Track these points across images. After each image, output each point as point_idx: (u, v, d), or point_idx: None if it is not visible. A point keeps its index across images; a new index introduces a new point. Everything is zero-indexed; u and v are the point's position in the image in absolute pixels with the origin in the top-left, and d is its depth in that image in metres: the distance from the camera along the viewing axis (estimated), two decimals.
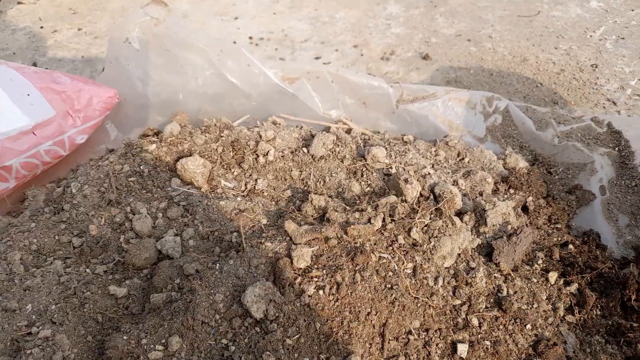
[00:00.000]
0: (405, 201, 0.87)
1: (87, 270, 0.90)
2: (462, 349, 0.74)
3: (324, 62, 1.63)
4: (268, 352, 0.65)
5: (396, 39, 1.72)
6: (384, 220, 0.83)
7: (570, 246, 0.94)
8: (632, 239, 1.00)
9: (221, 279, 0.75)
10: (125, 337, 0.72)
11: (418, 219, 0.83)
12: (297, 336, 0.68)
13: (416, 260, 0.80)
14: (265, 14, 1.90)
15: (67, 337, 0.78)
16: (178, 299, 0.77)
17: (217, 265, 0.78)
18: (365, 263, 0.75)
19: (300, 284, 0.73)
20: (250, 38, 1.76)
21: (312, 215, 0.90)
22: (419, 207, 0.86)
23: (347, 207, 0.87)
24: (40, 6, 2.00)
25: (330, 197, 0.94)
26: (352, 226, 0.78)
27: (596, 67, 1.54)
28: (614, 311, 0.85)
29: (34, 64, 1.66)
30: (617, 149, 1.11)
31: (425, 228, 0.83)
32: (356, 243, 0.78)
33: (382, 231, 0.81)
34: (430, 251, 0.80)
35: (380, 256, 0.77)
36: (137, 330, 0.74)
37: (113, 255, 0.92)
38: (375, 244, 0.79)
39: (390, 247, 0.80)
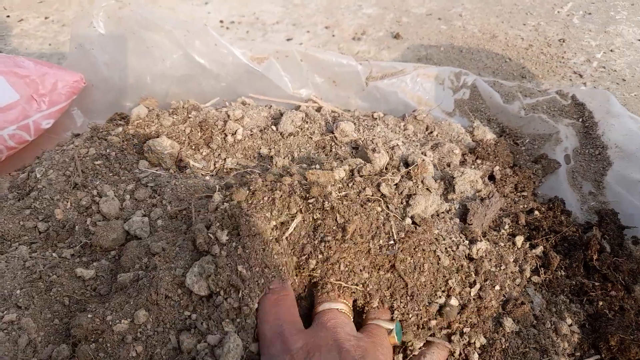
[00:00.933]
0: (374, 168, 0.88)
1: (54, 254, 0.89)
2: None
3: (296, 44, 1.62)
4: (227, 320, 0.66)
5: (368, 19, 1.72)
6: (351, 173, 0.82)
7: (536, 212, 0.96)
8: (595, 204, 1.02)
9: (180, 252, 0.75)
10: (90, 316, 0.71)
11: (389, 176, 0.83)
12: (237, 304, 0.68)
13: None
14: None
15: (33, 320, 0.77)
16: (144, 276, 0.77)
17: (178, 240, 0.78)
18: (320, 195, 0.73)
19: None
20: (221, 22, 1.75)
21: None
22: (387, 171, 0.87)
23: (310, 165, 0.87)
24: None
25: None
26: (311, 171, 0.77)
27: (563, 41, 1.56)
28: (577, 271, 0.87)
29: None
30: (580, 119, 1.13)
31: (395, 186, 0.83)
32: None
33: (348, 183, 0.81)
34: (404, 208, 0.81)
35: (342, 195, 0.76)
36: (103, 309, 0.73)
37: (80, 238, 0.91)
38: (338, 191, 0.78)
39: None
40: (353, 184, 0.80)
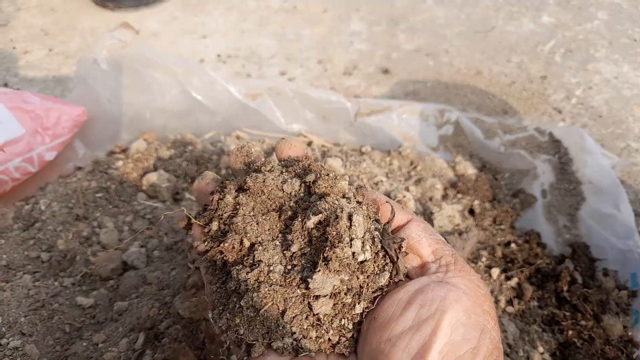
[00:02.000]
0: None
1: (56, 283, 0.94)
2: None
3: (289, 78, 1.70)
4: None
5: (359, 55, 1.81)
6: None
7: (513, 245, 1.02)
8: (570, 237, 1.08)
9: (169, 280, 0.80)
10: (84, 344, 0.77)
11: None
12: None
13: None
14: (234, 32, 1.97)
15: (36, 347, 0.82)
16: (135, 305, 0.82)
17: (171, 269, 0.83)
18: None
19: None
20: (219, 55, 1.83)
21: None
22: None
23: None
24: (12, 28, 2.03)
25: None
26: None
27: (545, 78, 1.64)
28: (549, 302, 0.92)
29: (5, 85, 1.69)
30: (557, 156, 1.19)
31: None
32: None
33: None
34: None
35: None
36: (97, 336, 0.79)
37: (80, 267, 0.96)
38: None
39: None
40: None
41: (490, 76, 1.66)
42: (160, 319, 0.79)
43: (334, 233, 0.47)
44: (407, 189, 1.05)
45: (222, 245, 0.53)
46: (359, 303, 0.48)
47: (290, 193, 0.54)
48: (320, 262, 0.47)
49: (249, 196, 0.54)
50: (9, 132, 1.11)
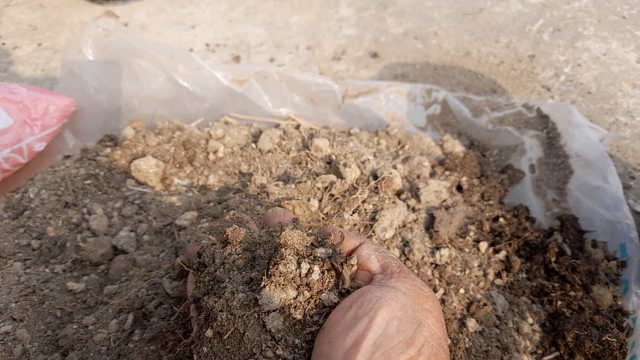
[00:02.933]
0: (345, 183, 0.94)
1: (46, 269, 0.94)
2: None
3: (278, 64, 1.70)
4: None
5: (347, 40, 1.80)
6: (320, 200, 0.89)
7: (501, 219, 1.02)
8: (558, 210, 1.08)
9: (158, 262, 0.81)
10: (75, 327, 0.77)
11: (359, 193, 0.90)
12: None
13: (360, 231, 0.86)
14: (222, 21, 1.96)
15: (27, 331, 0.82)
16: (124, 287, 0.82)
17: (160, 252, 0.84)
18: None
19: None
20: (207, 45, 1.82)
21: (255, 192, 0.96)
22: (358, 186, 0.93)
23: (286, 183, 0.94)
24: (0, 24, 2.03)
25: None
26: (286, 200, 0.84)
27: (533, 57, 1.63)
28: (537, 274, 0.93)
29: None
30: (544, 131, 1.20)
31: (363, 203, 0.89)
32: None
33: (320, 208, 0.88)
34: (370, 225, 0.87)
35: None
36: (87, 319, 0.79)
37: (71, 254, 0.96)
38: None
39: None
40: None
41: (478, 57, 1.65)
42: (149, 299, 0.80)
43: (277, 254, 0.52)
44: (394, 167, 1.05)
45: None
46: (310, 317, 0.50)
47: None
48: (265, 277, 0.51)
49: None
50: None
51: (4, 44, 1.91)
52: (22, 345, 0.80)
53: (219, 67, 1.24)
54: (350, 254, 0.56)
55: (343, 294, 0.52)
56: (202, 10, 2.04)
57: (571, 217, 1.05)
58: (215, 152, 1.09)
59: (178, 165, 1.09)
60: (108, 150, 1.11)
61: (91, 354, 0.75)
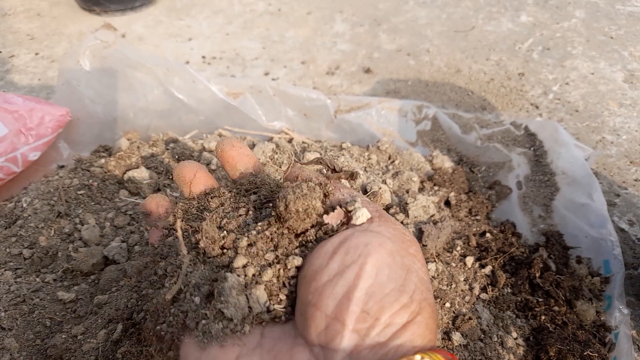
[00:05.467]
0: None
1: (37, 279, 0.95)
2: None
3: (272, 78, 1.72)
4: None
5: (341, 55, 1.83)
6: None
7: (488, 234, 1.04)
8: (544, 227, 1.10)
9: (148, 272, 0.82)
10: (64, 336, 0.78)
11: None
12: None
13: None
14: (219, 34, 1.99)
15: (16, 340, 0.83)
16: (113, 298, 0.83)
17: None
18: None
19: None
20: (203, 57, 1.85)
21: None
22: None
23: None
24: None
25: None
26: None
27: (523, 75, 1.67)
28: (522, 288, 0.94)
29: None
30: (532, 148, 1.22)
31: None
32: None
33: None
34: None
35: None
36: (76, 328, 0.80)
37: (62, 263, 0.97)
38: None
39: None
40: None
41: (469, 74, 1.69)
42: (139, 310, 0.81)
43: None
44: (384, 182, 1.07)
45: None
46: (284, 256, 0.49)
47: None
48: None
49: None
50: None
51: (0, 52, 1.92)
52: (10, 354, 0.81)
53: (215, 80, 1.26)
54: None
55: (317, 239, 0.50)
56: (199, 23, 2.07)
57: (556, 233, 1.07)
58: (208, 164, 1.10)
59: (171, 177, 1.11)
60: (102, 160, 1.12)
61: None
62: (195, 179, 0.62)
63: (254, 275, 0.48)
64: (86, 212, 1.03)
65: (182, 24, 2.07)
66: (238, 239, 0.51)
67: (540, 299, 0.93)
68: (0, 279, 0.92)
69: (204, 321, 0.46)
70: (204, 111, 1.28)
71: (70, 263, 0.96)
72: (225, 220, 0.54)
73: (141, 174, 1.06)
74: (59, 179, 1.08)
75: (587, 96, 1.56)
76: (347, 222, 0.50)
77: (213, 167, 1.10)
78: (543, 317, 0.90)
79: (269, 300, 0.47)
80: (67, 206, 1.04)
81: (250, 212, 0.55)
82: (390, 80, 1.67)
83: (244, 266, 0.48)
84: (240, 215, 0.55)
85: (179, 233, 0.53)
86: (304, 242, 0.50)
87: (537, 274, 0.94)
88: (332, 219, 0.50)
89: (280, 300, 0.47)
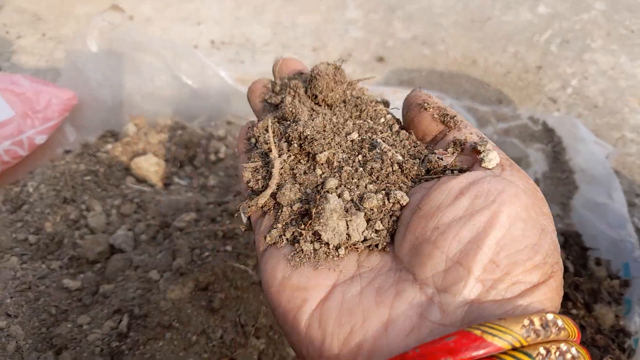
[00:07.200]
0: None
1: (43, 265, 0.93)
2: None
3: None
4: None
5: (354, 43, 1.79)
6: None
7: None
8: (562, 226, 1.07)
9: (155, 263, 0.80)
10: (69, 326, 0.76)
11: None
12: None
13: None
14: (228, 19, 1.95)
15: (22, 328, 0.81)
16: (119, 287, 0.82)
17: (158, 252, 0.83)
18: None
19: None
20: (212, 42, 1.81)
21: None
22: None
23: None
24: (5, 13, 2.01)
25: None
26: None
27: (541, 68, 1.62)
28: None
29: None
30: (550, 144, 1.19)
31: None
32: None
33: None
34: None
35: None
36: (81, 318, 0.78)
37: (68, 250, 0.95)
38: None
39: None
40: None
41: (485, 66, 1.64)
42: (145, 301, 0.79)
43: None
44: None
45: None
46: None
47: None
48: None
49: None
50: None
51: (7, 32, 1.90)
52: (16, 342, 0.79)
53: (223, 65, 1.22)
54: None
55: (434, 170, 0.45)
56: (209, 6, 2.03)
57: (575, 233, 1.04)
58: (216, 152, 1.08)
59: (179, 165, 1.08)
60: (109, 146, 1.10)
61: (85, 354, 0.74)
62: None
63: (352, 200, 0.44)
64: (92, 199, 1.01)
65: (191, 7, 2.03)
66: (340, 161, 0.48)
67: None
68: (5, 265, 0.90)
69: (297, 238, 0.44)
70: (212, 97, 1.25)
71: (76, 250, 0.94)
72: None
73: (148, 160, 1.04)
74: (65, 164, 1.06)
75: (607, 91, 1.51)
76: (470, 165, 0.45)
77: (221, 155, 1.08)
78: None
79: (367, 228, 0.43)
80: (73, 192, 1.02)
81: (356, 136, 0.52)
82: (404, 70, 1.64)
83: (339, 189, 0.45)
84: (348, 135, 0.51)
85: (270, 133, 0.50)
86: (410, 176, 0.46)
87: None
88: (446, 154, 0.46)
89: (378, 229, 0.43)
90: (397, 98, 1.25)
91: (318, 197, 0.44)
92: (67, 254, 0.95)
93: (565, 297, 0.92)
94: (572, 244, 1.02)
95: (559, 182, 1.13)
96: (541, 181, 1.14)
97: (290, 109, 0.51)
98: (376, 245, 0.43)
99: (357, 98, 0.54)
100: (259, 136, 0.52)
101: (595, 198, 1.08)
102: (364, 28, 1.87)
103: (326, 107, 0.54)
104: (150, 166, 1.04)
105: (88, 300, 0.88)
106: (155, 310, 0.76)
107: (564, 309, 0.90)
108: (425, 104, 0.50)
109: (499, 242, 0.37)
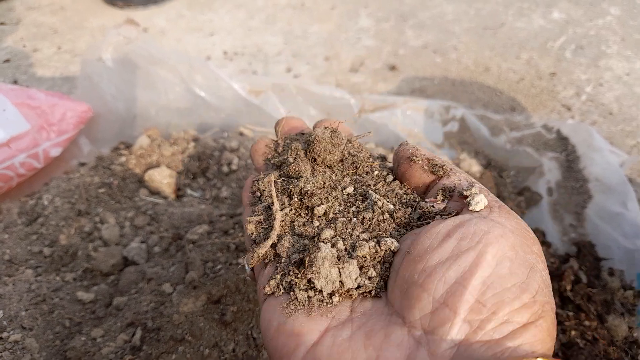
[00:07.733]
0: None
1: (57, 277, 0.95)
2: None
3: (295, 75, 1.69)
4: None
5: (366, 52, 1.79)
6: None
7: None
8: (575, 236, 1.06)
9: (168, 275, 0.80)
10: (83, 339, 0.77)
11: None
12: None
13: None
14: (241, 29, 1.97)
15: (36, 340, 0.82)
16: (132, 300, 0.82)
17: (171, 265, 0.83)
18: None
19: None
20: (225, 53, 1.83)
21: None
22: None
23: None
24: (22, 26, 2.05)
25: None
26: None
27: (554, 75, 1.61)
28: None
29: (15, 82, 1.71)
30: (564, 153, 1.17)
31: None
32: None
33: None
34: None
35: None
36: (95, 331, 0.79)
37: (82, 263, 0.97)
38: None
39: None
40: None
41: (498, 73, 1.63)
42: (158, 314, 0.79)
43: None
44: None
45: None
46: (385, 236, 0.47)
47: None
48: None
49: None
50: (14, 127, 1.12)
51: (24, 46, 1.94)
52: (31, 354, 0.80)
53: (236, 77, 1.23)
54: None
55: (425, 217, 0.48)
56: (222, 17, 2.05)
57: (588, 243, 1.02)
58: (229, 164, 1.08)
59: (191, 176, 1.09)
60: (123, 158, 1.11)
61: None
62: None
63: (346, 249, 0.46)
64: (106, 211, 1.03)
65: (204, 19, 2.05)
66: (336, 213, 0.51)
67: (570, 313, 0.89)
68: (20, 277, 0.92)
69: (292, 287, 0.46)
70: (225, 109, 1.26)
71: (90, 262, 0.95)
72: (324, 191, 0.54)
73: (162, 173, 1.05)
74: (80, 176, 1.07)
75: (622, 98, 1.49)
76: (459, 209, 0.46)
77: (234, 166, 1.08)
78: (573, 332, 0.86)
79: (359, 275, 0.45)
80: (87, 204, 1.03)
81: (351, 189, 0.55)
82: (415, 79, 1.63)
83: (334, 239, 0.47)
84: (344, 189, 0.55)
85: (273, 189, 0.54)
86: (402, 224, 0.49)
87: (569, 287, 0.90)
88: (436, 201, 0.48)
89: (371, 276, 0.45)
90: (408, 108, 1.25)
91: (311, 246, 0.47)
92: (81, 266, 0.96)
93: (578, 309, 0.91)
94: (585, 254, 1.00)
95: (572, 191, 1.12)
96: (555, 190, 1.12)
97: (294, 168, 0.55)
98: (369, 292, 0.45)
99: (354, 155, 0.57)
100: (263, 190, 0.56)
101: (610, 207, 1.06)
102: (375, 36, 1.87)
103: (325, 167, 0.58)
104: (164, 178, 1.05)
105: (101, 312, 0.88)
106: (168, 323, 0.77)
107: (577, 321, 0.88)
108: (414, 157, 0.52)
109: (485, 281, 0.38)
